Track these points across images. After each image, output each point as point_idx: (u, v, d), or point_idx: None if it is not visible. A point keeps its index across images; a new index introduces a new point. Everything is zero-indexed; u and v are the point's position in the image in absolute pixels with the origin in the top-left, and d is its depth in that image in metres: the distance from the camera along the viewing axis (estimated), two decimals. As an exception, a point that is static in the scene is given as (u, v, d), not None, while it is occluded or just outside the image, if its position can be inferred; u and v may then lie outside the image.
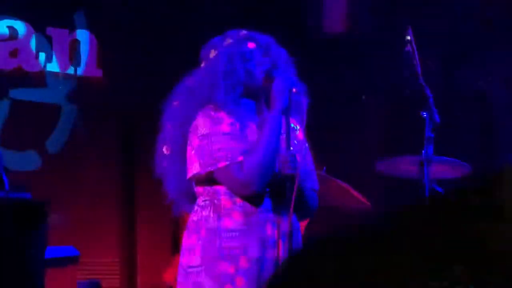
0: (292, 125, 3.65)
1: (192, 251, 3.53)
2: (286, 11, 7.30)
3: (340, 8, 7.51)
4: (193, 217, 3.58)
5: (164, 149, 3.67)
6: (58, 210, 6.08)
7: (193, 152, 3.53)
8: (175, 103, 3.67)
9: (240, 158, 3.45)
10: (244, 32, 3.69)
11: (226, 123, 3.52)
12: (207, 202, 3.54)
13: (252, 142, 3.51)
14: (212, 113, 3.53)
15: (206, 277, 3.47)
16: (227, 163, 3.45)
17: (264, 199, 3.50)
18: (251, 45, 3.64)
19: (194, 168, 3.52)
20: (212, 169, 3.47)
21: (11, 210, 3.02)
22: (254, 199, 3.48)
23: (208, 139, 3.49)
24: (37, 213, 3.04)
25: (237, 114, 3.55)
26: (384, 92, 7.29)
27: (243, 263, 3.46)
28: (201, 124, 3.53)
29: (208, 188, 3.55)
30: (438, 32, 6.95)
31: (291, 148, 3.52)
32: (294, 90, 3.52)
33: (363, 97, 7.50)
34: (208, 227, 3.50)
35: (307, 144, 3.71)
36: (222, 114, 3.53)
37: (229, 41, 3.65)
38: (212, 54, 3.66)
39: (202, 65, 3.68)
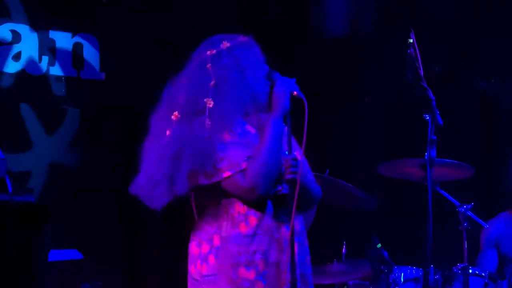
0: None
1: (204, 260, 3.52)
2: (289, 13, 7.30)
3: (343, 10, 7.52)
4: (204, 227, 3.56)
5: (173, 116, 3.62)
6: (61, 213, 6.10)
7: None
8: (173, 91, 3.67)
9: (244, 165, 3.45)
10: (250, 37, 3.71)
11: (226, 131, 3.52)
12: (217, 210, 3.54)
13: (251, 145, 3.51)
14: None
15: (224, 284, 3.47)
16: (231, 172, 3.45)
17: (274, 201, 3.51)
18: (256, 49, 3.66)
19: (199, 179, 3.51)
20: (216, 180, 3.47)
21: (15, 213, 3.02)
22: (265, 203, 3.49)
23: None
24: (41, 216, 3.04)
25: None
26: (387, 94, 7.29)
27: (263, 267, 3.46)
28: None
29: (220, 197, 3.54)
30: (440, 35, 6.95)
31: (294, 153, 3.52)
32: (295, 93, 3.52)
33: (366, 99, 7.51)
34: (222, 236, 3.49)
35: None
36: None
37: (237, 40, 3.67)
38: (226, 45, 3.65)
39: (200, 59, 3.68)
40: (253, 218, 3.48)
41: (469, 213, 5.09)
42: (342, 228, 6.71)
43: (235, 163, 3.45)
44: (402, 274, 5.20)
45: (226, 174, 3.45)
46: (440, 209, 4.42)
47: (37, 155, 6.67)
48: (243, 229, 3.48)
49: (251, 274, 3.45)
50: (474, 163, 5.21)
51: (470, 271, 5.00)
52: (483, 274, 5.10)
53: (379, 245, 5.27)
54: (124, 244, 6.87)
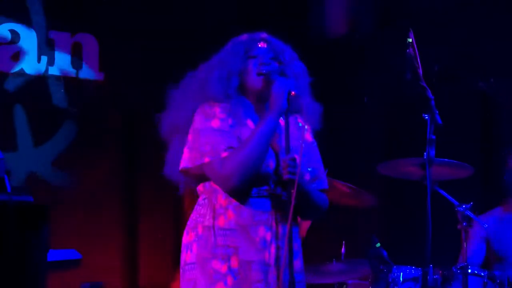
0: (300, 124, 3.67)
1: (189, 248, 3.57)
2: (288, 13, 7.30)
3: (342, 10, 7.51)
4: (193, 215, 3.62)
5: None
6: (60, 213, 6.09)
7: (187, 145, 3.59)
8: (180, 88, 3.71)
9: (224, 154, 3.47)
10: (264, 34, 3.73)
11: (217, 118, 3.56)
12: (205, 200, 3.59)
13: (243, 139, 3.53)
14: (207, 108, 3.58)
15: (199, 274, 3.51)
16: (211, 158, 3.49)
17: (260, 201, 3.52)
18: (261, 44, 3.67)
19: (184, 162, 3.59)
20: (198, 164, 3.52)
21: (14, 213, 3.02)
22: (247, 200, 3.50)
23: (198, 134, 3.55)
24: (39, 215, 3.04)
25: (232, 110, 3.57)
26: (386, 94, 7.28)
27: (234, 263, 3.48)
28: (196, 119, 3.59)
29: (207, 185, 3.59)
30: (438, 34, 6.95)
31: (298, 159, 3.51)
32: (293, 93, 3.53)
33: (365, 99, 7.51)
34: (204, 225, 3.54)
35: (315, 144, 3.73)
36: (216, 110, 3.57)
37: (245, 37, 3.70)
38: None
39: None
40: (232, 213, 3.51)
41: (468, 212, 5.09)
42: (341, 227, 6.71)
43: (216, 150, 3.49)
44: (401, 273, 5.19)
45: (206, 159, 3.49)
46: (439, 209, 4.42)
47: (37, 154, 6.67)
48: (221, 222, 3.52)
49: (223, 268, 3.48)
50: (473, 163, 5.21)
51: (469, 270, 5.00)
52: (482, 274, 5.10)
53: (378, 245, 5.26)
54: (124, 243, 6.87)
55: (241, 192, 3.50)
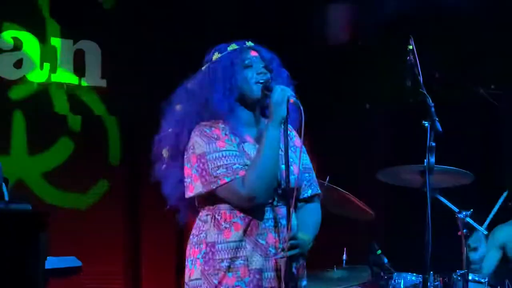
0: (289, 131, 3.66)
1: (193, 264, 3.56)
2: (290, 21, 7.31)
3: (344, 18, 7.53)
4: (195, 232, 3.61)
5: (163, 152, 3.68)
6: (61, 221, 6.10)
7: (192, 171, 3.55)
8: (175, 105, 3.69)
9: (242, 173, 3.47)
10: (250, 42, 3.73)
11: (222, 140, 3.53)
12: (208, 216, 3.56)
13: (250, 155, 3.53)
14: (207, 131, 3.55)
15: None
16: (229, 179, 3.47)
17: (265, 209, 3.52)
18: (253, 53, 3.67)
19: (196, 188, 3.53)
20: (214, 187, 3.49)
21: (11, 221, 3.03)
22: (253, 210, 3.50)
23: (206, 158, 3.51)
24: (37, 223, 3.04)
25: (231, 128, 3.57)
26: (387, 101, 7.29)
27: (244, 273, 3.48)
28: (198, 143, 3.55)
29: (209, 204, 3.57)
30: (440, 42, 6.96)
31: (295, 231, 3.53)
32: (291, 100, 3.54)
33: (366, 106, 7.51)
34: (208, 241, 3.53)
35: (304, 149, 3.72)
36: (217, 131, 3.55)
37: (234, 47, 3.69)
38: (215, 57, 3.69)
39: (204, 67, 3.72)
40: (239, 225, 3.51)
41: (468, 219, 5.10)
42: (342, 234, 6.71)
43: (232, 170, 3.47)
44: (402, 280, 5.20)
45: (223, 181, 3.47)
46: (440, 216, 4.42)
47: (41, 161, 6.70)
48: (228, 235, 3.51)
49: (232, 280, 3.47)
50: (474, 170, 5.21)
51: (470, 277, 5.01)
52: (482, 280, 5.10)
53: (379, 252, 5.27)
54: (126, 251, 6.87)
55: (261, 206, 3.51)
